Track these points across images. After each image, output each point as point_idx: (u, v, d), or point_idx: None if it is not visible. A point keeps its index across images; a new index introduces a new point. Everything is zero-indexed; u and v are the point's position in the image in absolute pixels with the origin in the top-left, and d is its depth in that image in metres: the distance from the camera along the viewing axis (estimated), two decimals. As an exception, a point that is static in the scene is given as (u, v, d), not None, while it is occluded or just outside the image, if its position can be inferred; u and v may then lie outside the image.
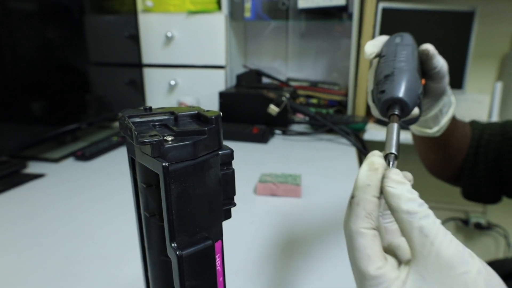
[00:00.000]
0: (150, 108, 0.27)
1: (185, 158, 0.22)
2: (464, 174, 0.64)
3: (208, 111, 0.27)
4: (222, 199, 0.26)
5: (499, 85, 1.39)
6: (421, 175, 1.61)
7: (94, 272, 0.49)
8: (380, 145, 1.50)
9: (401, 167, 0.26)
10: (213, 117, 0.24)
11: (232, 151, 0.26)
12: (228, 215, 0.27)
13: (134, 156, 0.25)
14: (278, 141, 1.09)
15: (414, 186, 0.26)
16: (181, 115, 0.26)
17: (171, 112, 0.26)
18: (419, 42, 0.49)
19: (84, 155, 0.91)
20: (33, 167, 0.86)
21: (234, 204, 0.27)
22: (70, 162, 0.91)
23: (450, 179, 0.68)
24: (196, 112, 0.26)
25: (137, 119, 0.25)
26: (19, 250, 0.54)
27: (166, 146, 0.21)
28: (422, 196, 0.25)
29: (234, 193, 0.27)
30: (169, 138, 0.22)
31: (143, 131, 0.23)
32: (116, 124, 1.24)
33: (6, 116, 0.82)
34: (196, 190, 0.23)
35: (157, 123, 0.25)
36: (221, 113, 0.25)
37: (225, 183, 0.26)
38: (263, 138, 1.06)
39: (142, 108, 0.27)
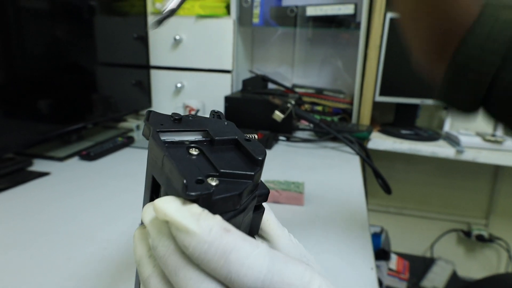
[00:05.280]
0: (180, 118, 0.24)
1: (228, 209, 0.20)
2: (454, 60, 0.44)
3: (248, 138, 0.24)
4: None
5: (505, 98, 1.39)
6: (424, 185, 1.61)
7: (94, 273, 0.49)
8: (384, 154, 1.50)
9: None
10: (260, 158, 0.22)
11: (268, 191, 0.24)
12: None
13: (162, 184, 0.22)
14: (282, 148, 1.10)
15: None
16: (219, 140, 0.23)
17: (206, 131, 0.24)
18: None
19: (89, 155, 0.92)
20: (38, 165, 0.87)
21: None
22: (74, 161, 0.91)
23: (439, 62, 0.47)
24: (235, 138, 0.24)
25: (169, 137, 0.23)
26: (21, 248, 0.54)
27: (214, 198, 0.19)
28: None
29: (257, 232, 0.25)
30: (214, 183, 0.20)
31: (184, 169, 0.20)
32: (122, 124, 1.25)
33: (13, 113, 0.82)
34: None
35: (192, 146, 0.23)
36: (266, 152, 0.23)
37: (252, 224, 0.24)
38: (267, 144, 1.06)
39: (170, 115, 0.25)
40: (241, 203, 0.21)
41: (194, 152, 0.22)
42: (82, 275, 0.48)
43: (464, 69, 0.42)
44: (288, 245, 0.25)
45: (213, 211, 0.19)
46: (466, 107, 0.45)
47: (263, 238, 0.26)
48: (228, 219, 0.20)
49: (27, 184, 0.76)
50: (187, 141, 0.23)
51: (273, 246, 0.25)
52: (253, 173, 0.21)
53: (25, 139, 0.85)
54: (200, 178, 0.19)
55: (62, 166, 0.88)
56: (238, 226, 0.21)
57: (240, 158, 0.23)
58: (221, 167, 0.21)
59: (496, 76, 0.40)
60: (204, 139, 0.24)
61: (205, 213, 0.19)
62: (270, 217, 0.26)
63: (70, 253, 0.53)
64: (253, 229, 0.25)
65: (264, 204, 0.25)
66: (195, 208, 0.19)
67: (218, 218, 0.19)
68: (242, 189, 0.20)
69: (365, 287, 0.48)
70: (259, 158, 0.22)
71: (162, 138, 0.22)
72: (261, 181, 0.24)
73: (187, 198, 0.19)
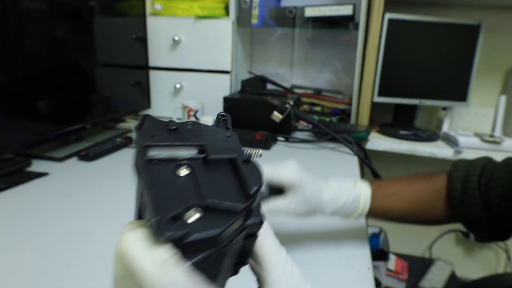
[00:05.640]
0: (176, 128, 0.22)
1: (208, 247, 0.18)
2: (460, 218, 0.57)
3: (247, 159, 0.21)
4: (235, 263, 0.22)
5: (503, 99, 1.39)
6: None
7: (92, 274, 0.49)
8: (382, 155, 1.51)
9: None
10: (255, 189, 0.19)
11: (261, 221, 0.21)
12: (235, 273, 0.24)
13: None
14: (280, 148, 1.10)
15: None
16: (214, 159, 0.21)
17: (202, 146, 0.21)
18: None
19: (88, 155, 0.92)
20: (37, 165, 0.87)
21: (246, 264, 0.24)
22: (73, 162, 0.91)
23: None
24: (233, 158, 0.21)
25: (159, 153, 0.21)
26: (20, 248, 0.54)
27: (187, 241, 0.17)
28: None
29: (250, 255, 0.23)
30: (195, 216, 0.18)
31: (163, 200, 0.18)
32: (121, 125, 1.25)
33: (12, 113, 0.83)
34: (209, 268, 0.19)
35: (183, 164, 0.21)
36: (263, 178, 0.20)
37: (242, 250, 0.22)
38: (265, 144, 1.07)
39: (166, 124, 0.22)
40: (223, 240, 0.18)
41: (183, 172, 0.20)
42: (80, 275, 0.49)
43: (460, 206, 0.55)
44: (281, 276, 0.23)
45: (188, 252, 0.18)
46: (488, 233, 0.56)
47: (255, 262, 0.24)
48: (206, 257, 0.18)
49: (26, 184, 0.77)
50: (179, 157, 0.21)
51: (265, 274, 0.23)
52: (241, 208, 0.19)
53: (24, 140, 0.85)
54: (177, 213, 0.17)
55: (61, 166, 0.88)
56: (220, 260, 0.20)
57: (234, 184, 0.20)
58: (209, 195, 0.19)
59: (484, 200, 0.54)
60: (198, 156, 0.21)
61: (170, 263, 0.17)
62: (265, 241, 0.23)
63: (68, 253, 0.53)
64: (244, 254, 0.23)
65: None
66: (162, 253, 0.17)
67: (182, 272, 0.17)
68: (227, 225, 0.18)
69: (361, 287, 0.48)
70: (251, 193, 0.19)
71: (151, 153, 0.20)
72: (256, 205, 0.21)
73: (158, 237, 0.17)
